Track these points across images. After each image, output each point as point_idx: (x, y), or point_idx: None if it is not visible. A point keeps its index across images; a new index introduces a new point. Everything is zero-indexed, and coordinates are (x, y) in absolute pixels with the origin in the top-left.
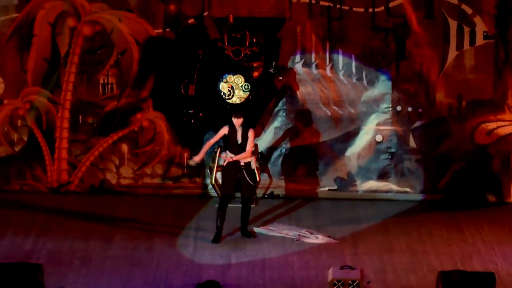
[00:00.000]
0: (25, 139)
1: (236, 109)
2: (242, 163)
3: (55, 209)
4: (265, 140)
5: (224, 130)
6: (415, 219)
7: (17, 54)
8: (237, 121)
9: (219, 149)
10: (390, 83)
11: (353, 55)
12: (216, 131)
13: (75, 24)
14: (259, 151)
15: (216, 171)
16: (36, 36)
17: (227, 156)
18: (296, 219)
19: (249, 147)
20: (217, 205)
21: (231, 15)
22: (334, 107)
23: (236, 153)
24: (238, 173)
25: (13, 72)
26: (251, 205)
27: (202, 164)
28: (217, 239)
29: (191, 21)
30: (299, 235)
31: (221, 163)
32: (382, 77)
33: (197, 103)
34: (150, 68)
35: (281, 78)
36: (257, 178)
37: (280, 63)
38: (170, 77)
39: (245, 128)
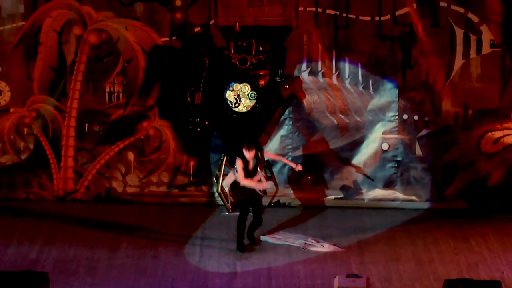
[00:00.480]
0: (31, 147)
1: (248, 142)
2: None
3: (61, 217)
4: (271, 148)
5: (241, 164)
6: (421, 227)
7: (23, 62)
8: (249, 154)
9: (225, 158)
10: (396, 92)
11: (359, 64)
12: (222, 140)
13: (82, 33)
14: (266, 159)
15: (222, 179)
16: (42, 45)
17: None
18: (302, 227)
19: (272, 156)
20: (225, 213)
21: (237, 24)
22: (340, 115)
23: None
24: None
25: (19, 81)
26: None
27: (208, 172)
28: (243, 248)
29: (197, 29)
30: (305, 243)
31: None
32: (388, 86)
33: (203, 112)
34: (156, 76)
35: (287, 86)
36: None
37: (287, 71)
38: (176, 86)
39: (256, 157)
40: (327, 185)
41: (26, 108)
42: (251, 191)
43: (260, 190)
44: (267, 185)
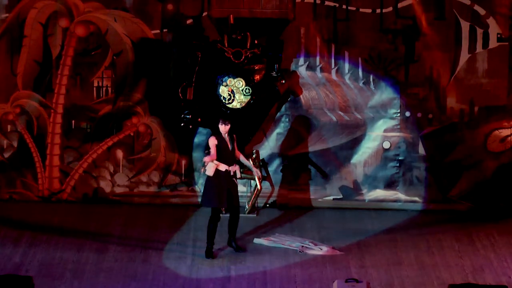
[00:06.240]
0: (15, 145)
1: (223, 116)
2: (231, 173)
3: (46, 219)
4: (267, 146)
5: (214, 141)
6: (424, 230)
7: (7, 56)
8: (224, 128)
9: None
10: (399, 87)
11: (359, 58)
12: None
13: (68, 25)
14: (261, 158)
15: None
16: (26, 37)
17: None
18: (299, 229)
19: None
20: None
21: (231, 16)
22: (340, 112)
23: (230, 163)
24: (227, 184)
25: (2, 75)
26: (253, 215)
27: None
28: (210, 255)
29: (189, 21)
30: (302, 246)
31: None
32: (390, 82)
33: (196, 108)
34: (146, 70)
35: (283, 81)
36: (259, 187)
37: (283, 66)
38: (168, 80)
39: (231, 135)
40: (325, 186)
41: (9, 104)
42: (227, 185)
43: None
44: (225, 167)
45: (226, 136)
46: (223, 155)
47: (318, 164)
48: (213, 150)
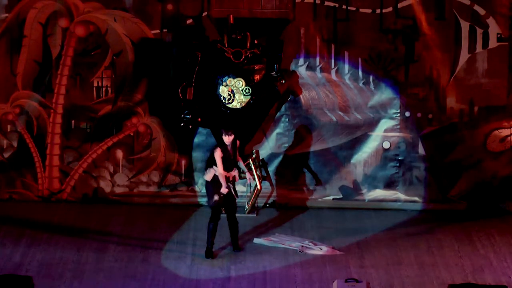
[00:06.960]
0: (15, 145)
1: (226, 127)
2: (230, 178)
3: (46, 219)
4: (267, 146)
5: (219, 153)
6: (423, 229)
7: (6, 56)
8: (228, 139)
9: None
10: (399, 88)
11: (359, 59)
12: (215, 136)
13: (68, 25)
14: (260, 158)
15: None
16: (26, 37)
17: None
18: (299, 229)
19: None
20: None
21: (231, 16)
22: (340, 112)
23: (230, 169)
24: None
25: (2, 75)
26: (253, 215)
27: (200, 172)
28: (210, 254)
29: (189, 21)
30: (302, 246)
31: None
32: (390, 82)
33: (196, 108)
34: (146, 70)
35: (283, 81)
36: (258, 187)
37: (283, 66)
38: (168, 80)
39: (234, 142)
40: (325, 185)
41: (9, 104)
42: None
43: (233, 193)
44: (225, 190)
45: (229, 145)
46: (225, 164)
47: (318, 165)
48: (219, 164)
